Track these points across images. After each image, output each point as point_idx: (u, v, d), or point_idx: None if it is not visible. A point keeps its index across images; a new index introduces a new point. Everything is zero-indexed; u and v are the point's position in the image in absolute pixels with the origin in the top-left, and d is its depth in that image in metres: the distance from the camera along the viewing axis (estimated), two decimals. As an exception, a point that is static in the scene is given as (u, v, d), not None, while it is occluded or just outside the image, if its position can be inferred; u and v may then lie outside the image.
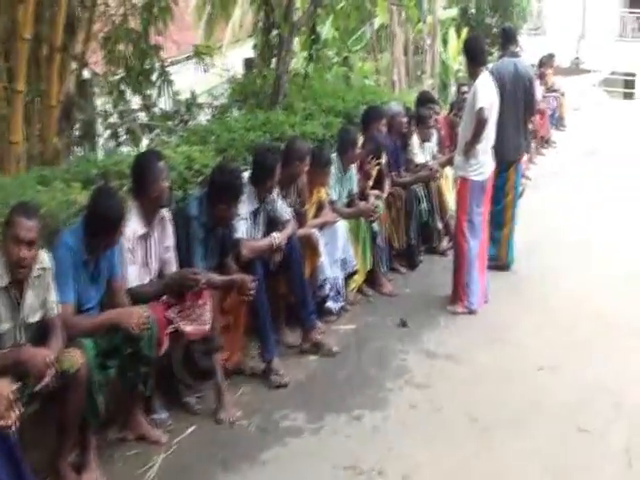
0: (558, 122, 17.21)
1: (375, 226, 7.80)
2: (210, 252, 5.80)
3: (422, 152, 9.23)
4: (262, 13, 9.18)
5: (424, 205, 8.76)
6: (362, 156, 7.83)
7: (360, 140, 7.89)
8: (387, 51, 13.43)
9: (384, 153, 8.20)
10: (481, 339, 6.93)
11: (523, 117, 8.50)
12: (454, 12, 14.15)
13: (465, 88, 11.10)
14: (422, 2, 13.28)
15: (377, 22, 13.55)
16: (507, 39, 8.95)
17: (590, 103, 20.64)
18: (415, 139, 9.15)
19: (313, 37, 9.76)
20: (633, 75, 23.36)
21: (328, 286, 7.11)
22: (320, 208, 7.32)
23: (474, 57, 7.51)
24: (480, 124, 7.26)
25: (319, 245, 6.91)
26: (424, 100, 9.80)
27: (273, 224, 6.51)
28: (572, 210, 10.95)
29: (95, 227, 4.80)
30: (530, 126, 13.32)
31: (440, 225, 9.15)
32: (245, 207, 6.17)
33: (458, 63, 13.54)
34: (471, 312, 7.46)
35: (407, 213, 8.43)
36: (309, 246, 6.84)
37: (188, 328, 5.20)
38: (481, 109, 7.23)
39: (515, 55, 8.76)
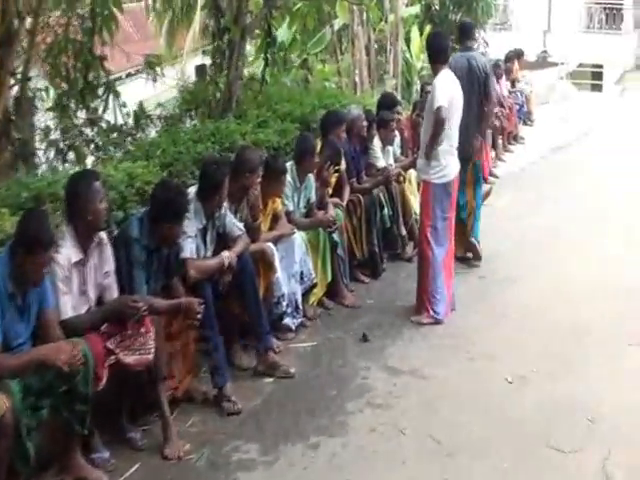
0: (526, 117, 16.96)
1: (335, 236, 7.47)
2: (154, 275, 5.45)
3: (384, 155, 8.91)
4: (213, 17, 8.79)
5: (386, 211, 8.45)
6: (320, 163, 7.50)
7: (318, 146, 7.59)
8: (349, 52, 13.08)
9: (343, 159, 7.90)
10: (447, 352, 6.62)
11: (478, 113, 8.30)
12: (416, 9, 13.73)
13: (429, 87, 10.82)
14: (383, 0, 12.96)
15: (338, 23, 13.20)
16: (464, 34, 8.80)
17: (558, 97, 20.42)
18: (377, 142, 8.82)
19: (268, 40, 9.40)
20: (601, 67, 23.15)
21: (285, 302, 6.79)
22: (276, 220, 6.99)
23: (435, 54, 7.23)
24: (438, 124, 6.95)
25: (274, 260, 6.58)
26: (385, 102, 9.48)
27: (224, 241, 6.18)
28: (540, 210, 10.66)
29: (22, 255, 4.44)
30: (497, 123, 13.25)
31: (404, 231, 8.83)
32: (192, 224, 5.83)
33: (422, 61, 13.17)
34: (437, 322, 7.15)
35: (368, 220, 8.11)
36: (263, 262, 6.51)
37: (129, 359, 4.87)
38: (439, 108, 6.92)
39: (470, 50, 8.63)
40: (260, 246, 6.52)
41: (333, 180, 7.77)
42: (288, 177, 7.05)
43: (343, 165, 7.93)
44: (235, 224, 6.21)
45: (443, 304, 7.21)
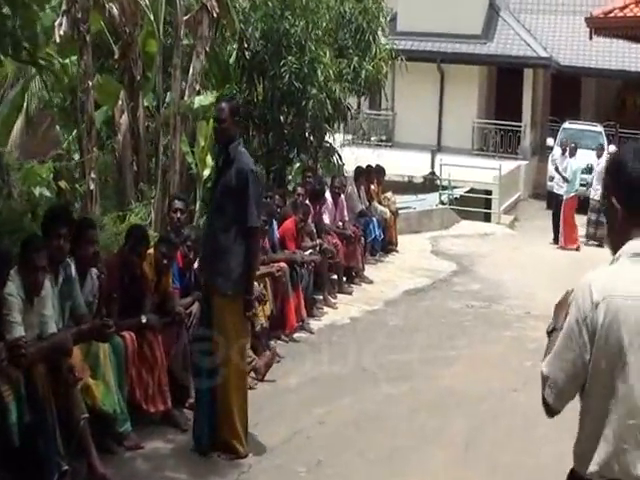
0: (385, 248, 13.44)
1: None
2: None
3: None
4: None
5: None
6: None
7: None
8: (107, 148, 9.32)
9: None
10: None
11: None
12: (210, 99, 9.88)
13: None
14: (154, 83, 9.19)
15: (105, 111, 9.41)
16: None
17: (435, 225, 17.13)
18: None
19: None
20: (491, 193, 20.07)
21: None
22: None
23: None
24: None
25: None
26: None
27: None
28: (346, 395, 6.96)
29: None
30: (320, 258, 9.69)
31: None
32: None
33: (209, 169, 9.33)
34: None
35: None
36: None
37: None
38: None
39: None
40: None
41: None
42: None
43: None
44: None
45: None
